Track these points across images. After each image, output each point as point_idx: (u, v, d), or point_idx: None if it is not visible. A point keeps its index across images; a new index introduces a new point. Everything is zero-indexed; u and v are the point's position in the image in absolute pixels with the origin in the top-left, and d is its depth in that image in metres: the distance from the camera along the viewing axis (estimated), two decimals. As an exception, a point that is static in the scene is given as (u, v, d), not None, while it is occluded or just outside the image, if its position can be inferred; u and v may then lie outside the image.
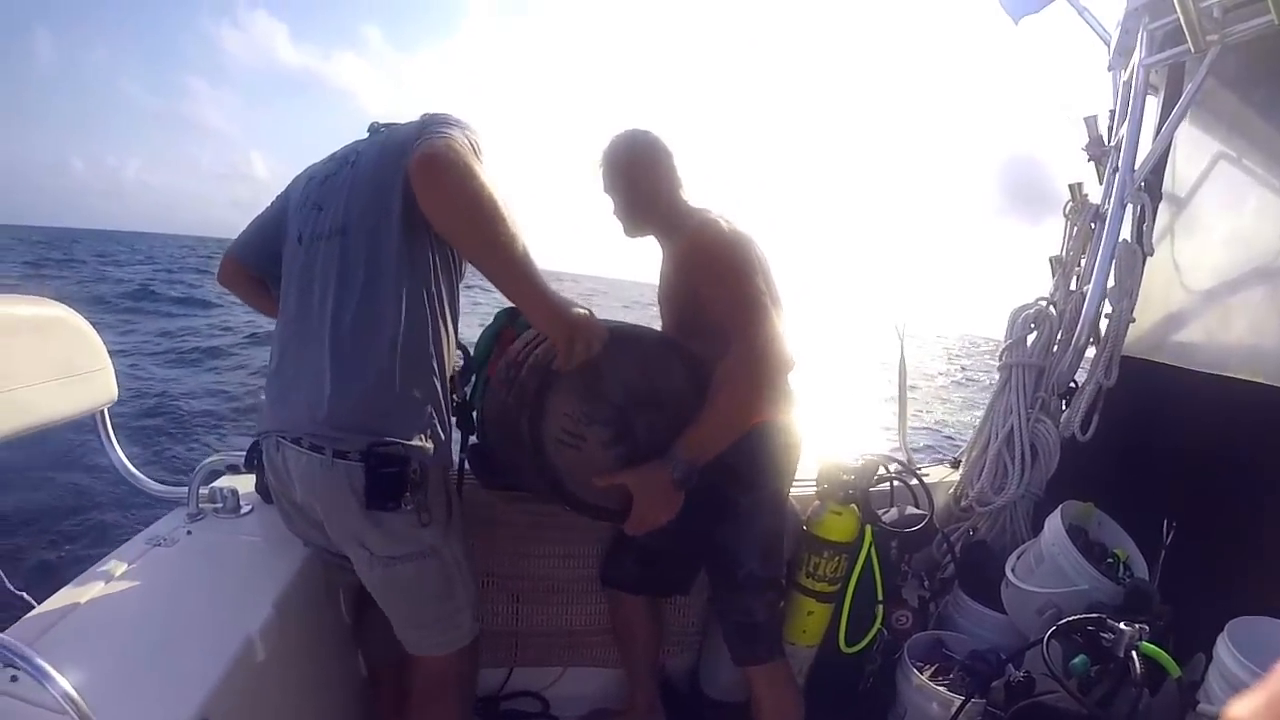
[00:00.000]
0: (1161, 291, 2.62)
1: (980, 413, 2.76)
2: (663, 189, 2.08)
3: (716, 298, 1.84)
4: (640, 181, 2.08)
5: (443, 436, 1.77)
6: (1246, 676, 1.59)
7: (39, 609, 1.55)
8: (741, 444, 1.79)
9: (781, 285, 2.00)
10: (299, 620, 1.81)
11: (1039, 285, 2.72)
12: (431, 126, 1.67)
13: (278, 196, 2.01)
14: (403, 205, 1.68)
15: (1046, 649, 1.86)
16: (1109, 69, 2.74)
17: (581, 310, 1.66)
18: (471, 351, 2.09)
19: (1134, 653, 1.72)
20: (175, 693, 1.33)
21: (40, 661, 1.03)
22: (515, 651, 2.51)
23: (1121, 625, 1.76)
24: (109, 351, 2.01)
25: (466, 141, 1.63)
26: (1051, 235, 2.79)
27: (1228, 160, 2.52)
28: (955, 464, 2.91)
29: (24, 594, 1.73)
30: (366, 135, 1.91)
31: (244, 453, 2.02)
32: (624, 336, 1.77)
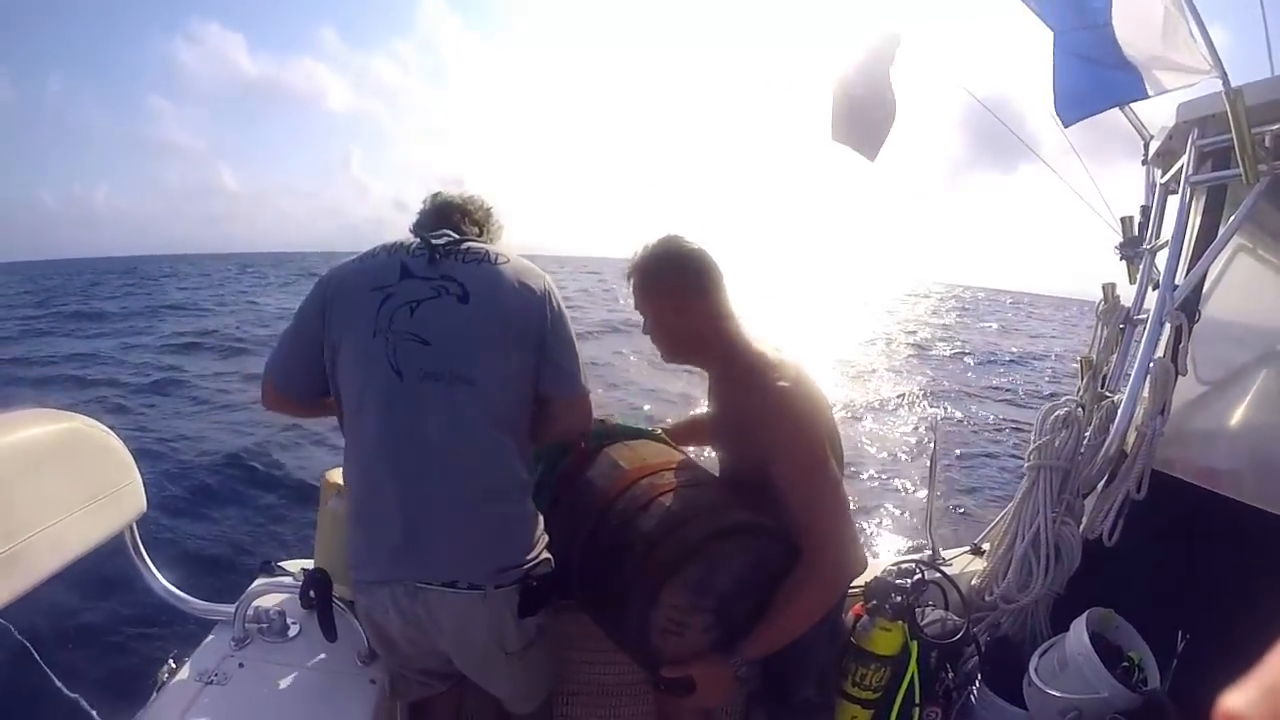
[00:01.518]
0: (1189, 408, 2.71)
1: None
2: (709, 319, 1.95)
3: (786, 479, 1.82)
4: (684, 308, 1.95)
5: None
6: None
7: None
8: None
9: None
10: None
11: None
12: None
13: (305, 309, 1.94)
14: (543, 352, 1.87)
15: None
16: (1143, 164, 2.78)
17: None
18: None
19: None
20: None
21: None
22: None
23: None
24: (133, 457, 1.96)
25: None
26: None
27: (1266, 281, 2.59)
28: (976, 550, 3.01)
29: None
30: (440, 243, 1.92)
31: (287, 573, 2.03)
32: (743, 532, 1.80)
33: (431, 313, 1.82)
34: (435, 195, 2.15)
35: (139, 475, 1.97)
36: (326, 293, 1.92)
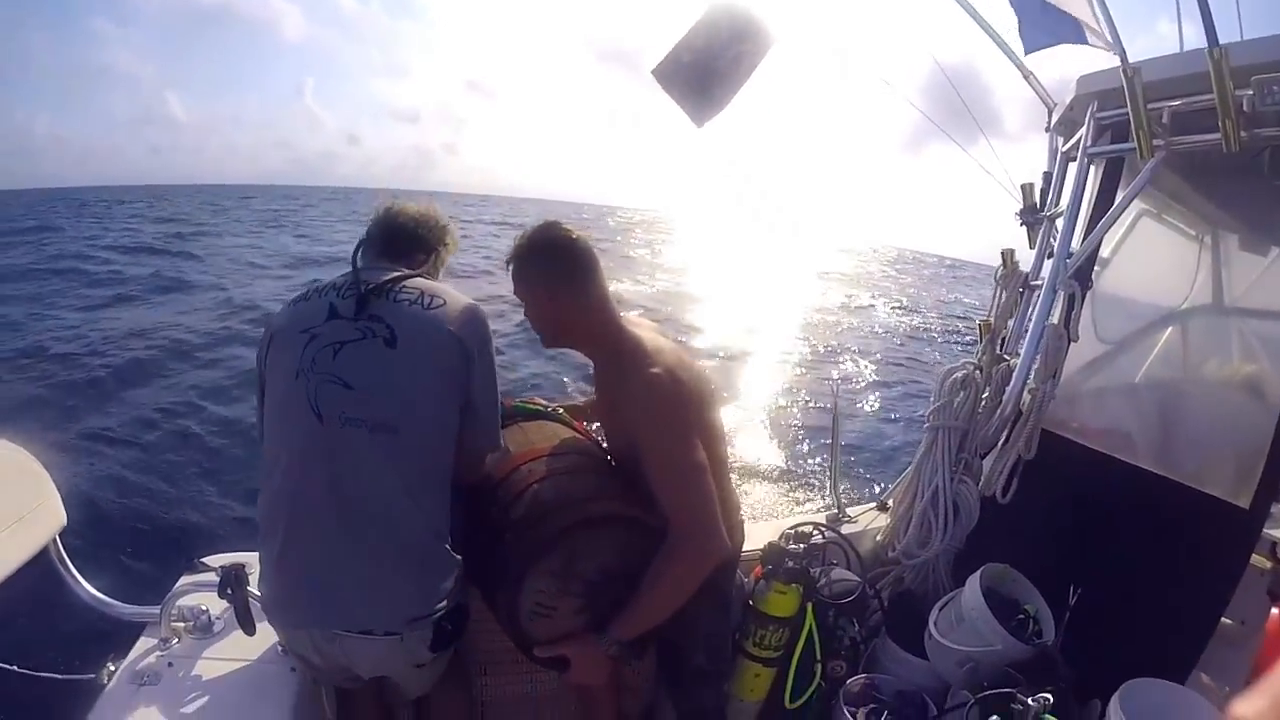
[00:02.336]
0: (1079, 366, 2.81)
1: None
2: (588, 310, 1.97)
3: (651, 465, 1.87)
4: (559, 298, 1.96)
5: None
6: None
7: None
8: None
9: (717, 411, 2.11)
10: None
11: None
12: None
13: (258, 357, 1.94)
14: (467, 399, 1.89)
15: (967, 715, 2.13)
16: (1047, 131, 2.84)
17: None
18: None
19: (1039, 722, 2.00)
20: None
21: None
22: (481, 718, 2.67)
23: (1030, 701, 2.00)
24: (48, 473, 1.99)
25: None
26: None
27: (1152, 241, 2.67)
28: (882, 507, 3.14)
29: None
30: (372, 282, 1.89)
31: (208, 568, 2.07)
32: (608, 523, 1.89)
33: (355, 355, 1.79)
34: (389, 208, 2.11)
35: (55, 490, 1.99)
36: (265, 338, 1.92)
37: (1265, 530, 2.53)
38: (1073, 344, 2.59)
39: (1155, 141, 2.19)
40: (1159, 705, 2.02)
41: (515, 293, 1.99)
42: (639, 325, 2.07)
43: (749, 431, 10.58)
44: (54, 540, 2.05)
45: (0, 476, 1.82)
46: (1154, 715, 1.95)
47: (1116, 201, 2.45)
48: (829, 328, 22.47)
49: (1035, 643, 2.34)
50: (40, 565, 2.04)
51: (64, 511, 2.03)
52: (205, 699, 1.94)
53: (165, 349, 12.41)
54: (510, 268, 1.98)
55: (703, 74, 2.22)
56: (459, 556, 1.90)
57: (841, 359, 16.81)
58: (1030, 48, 2.60)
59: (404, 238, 2.07)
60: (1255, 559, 2.50)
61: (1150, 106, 2.16)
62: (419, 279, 1.95)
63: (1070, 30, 2.43)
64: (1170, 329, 2.73)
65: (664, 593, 1.83)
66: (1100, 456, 2.68)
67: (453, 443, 1.89)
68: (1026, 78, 2.81)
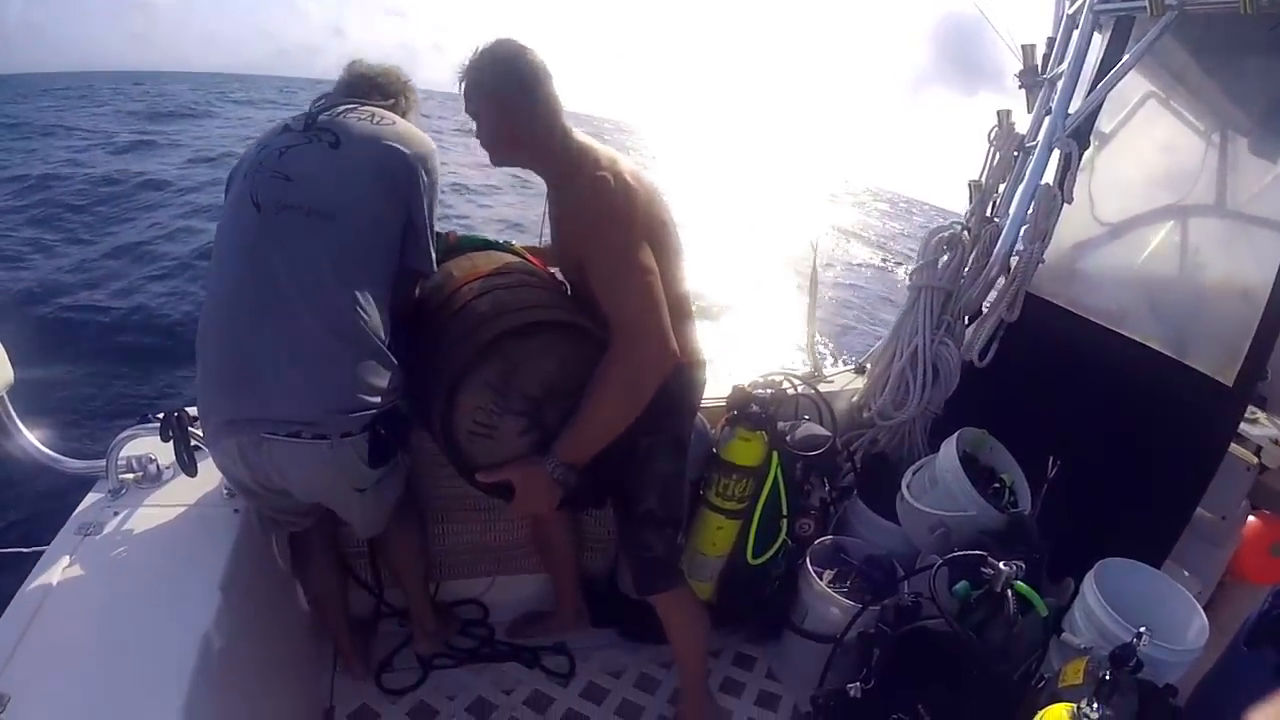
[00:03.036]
0: (1072, 237, 2.73)
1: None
2: (539, 120, 1.85)
3: (594, 266, 1.78)
4: (511, 110, 1.84)
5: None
6: (1105, 617, 1.82)
7: None
8: None
9: (682, 222, 1.97)
10: (245, 586, 1.83)
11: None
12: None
13: None
14: (407, 217, 1.82)
15: (934, 577, 2.09)
16: (1053, -5, 2.73)
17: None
18: None
19: (1009, 591, 1.94)
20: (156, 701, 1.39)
21: None
22: (441, 566, 2.62)
23: (1001, 565, 1.96)
24: None
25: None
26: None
27: (1158, 124, 2.59)
28: (860, 370, 3.05)
29: None
30: (326, 106, 1.89)
31: (158, 419, 1.93)
32: (547, 331, 1.75)
33: (298, 154, 1.78)
34: (351, 64, 2.08)
35: (2, 348, 1.91)
36: (230, 174, 1.90)
37: (1251, 431, 2.50)
38: (1065, 213, 2.52)
39: (1168, 1, 2.09)
40: (1135, 586, 1.99)
41: (466, 110, 1.89)
42: (594, 142, 1.94)
43: (718, 284, 10.36)
44: (2, 398, 1.99)
45: None
46: (1129, 596, 1.90)
47: (1122, 61, 2.33)
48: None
49: (1011, 512, 2.29)
50: None
51: (10, 367, 1.94)
52: (144, 546, 1.86)
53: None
54: (462, 85, 1.88)
55: None
56: (396, 362, 1.80)
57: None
58: None
59: (364, 84, 2.03)
60: (1240, 452, 2.46)
61: None
62: (373, 107, 1.94)
63: None
64: (1170, 218, 2.64)
65: (607, 403, 1.73)
66: (1086, 323, 2.61)
67: (393, 249, 1.81)
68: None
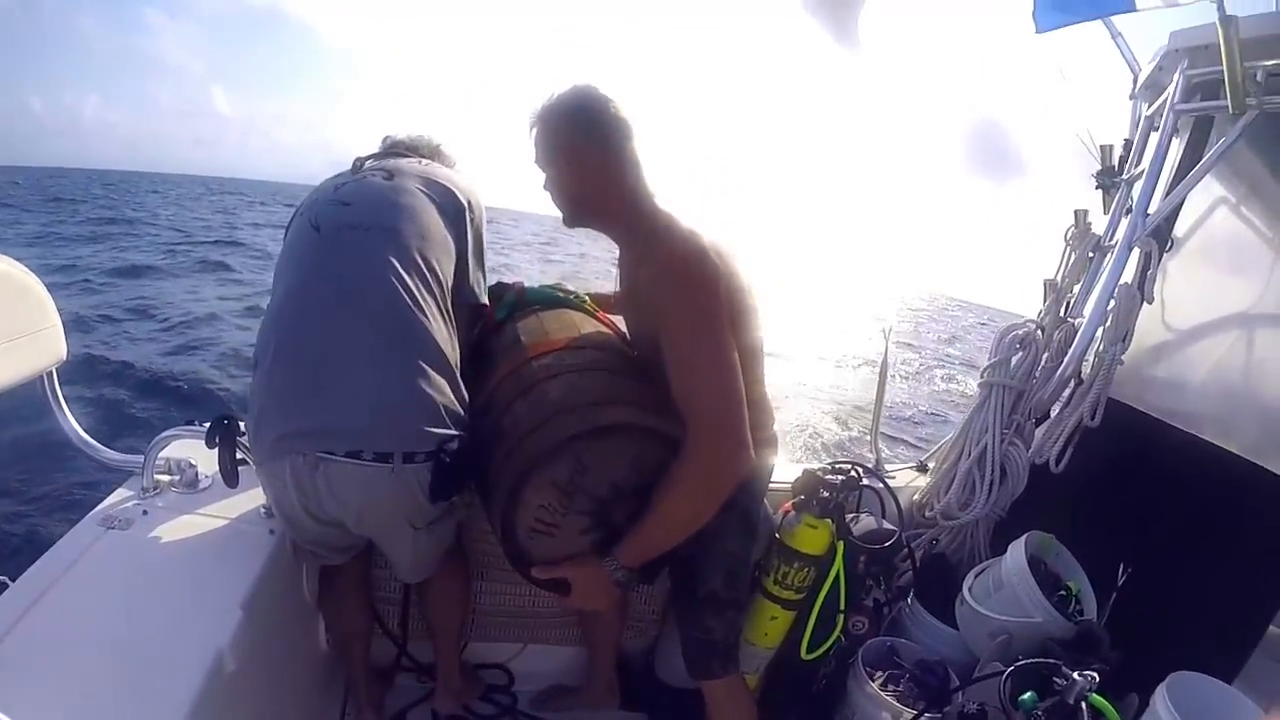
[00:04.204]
0: (1146, 339, 2.66)
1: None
2: (616, 178, 1.72)
3: (670, 343, 1.61)
4: (587, 165, 1.72)
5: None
6: None
7: None
8: None
9: (761, 298, 1.83)
10: (267, 610, 1.77)
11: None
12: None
13: None
14: (457, 249, 1.84)
15: (1004, 685, 1.94)
16: (1131, 98, 2.72)
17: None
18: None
19: (1084, 703, 1.80)
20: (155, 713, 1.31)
21: None
22: (472, 626, 2.51)
23: (1075, 675, 1.83)
24: (56, 307, 1.90)
25: None
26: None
27: (1241, 223, 2.54)
28: (922, 468, 2.98)
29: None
30: (370, 157, 1.99)
31: (205, 426, 1.87)
32: (620, 433, 1.63)
33: (355, 187, 1.83)
34: (384, 138, 2.14)
35: (60, 323, 1.90)
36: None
37: None
38: (1141, 314, 2.46)
39: (1249, 100, 2.06)
40: (1207, 704, 1.84)
41: (535, 161, 1.79)
42: (674, 208, 1.80)
43: (787, 369, 10.35)
44: (51, 372, 1.98)
45: (9, 294, 1.73)
46: (1201, 713, 1.76)
47: (1202, 161, 2.30)
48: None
49: (1079, 620, 2.16)
50: (32, 394, 1.97)
51: (65, 346, 1.94)
52: (170, 551, 1.82)
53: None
54: (532, 132, 1.77)
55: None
56: (461, 389, 1.76)
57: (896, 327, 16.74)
58: (1045, 26, 2.46)
59: (400, 148, 2.08)
60: None
61: (1246, 64, 2.03)
62: (415, 159, 2.01)
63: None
64: (1250, 320, 2.57)
65: (677, 507, 1.60)
66: (1160, 425, 2.52)
67: (448, 272, 1.79)
68: (1114, 38, 2.70)
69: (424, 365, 1.64)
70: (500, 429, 1.72)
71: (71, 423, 2.10)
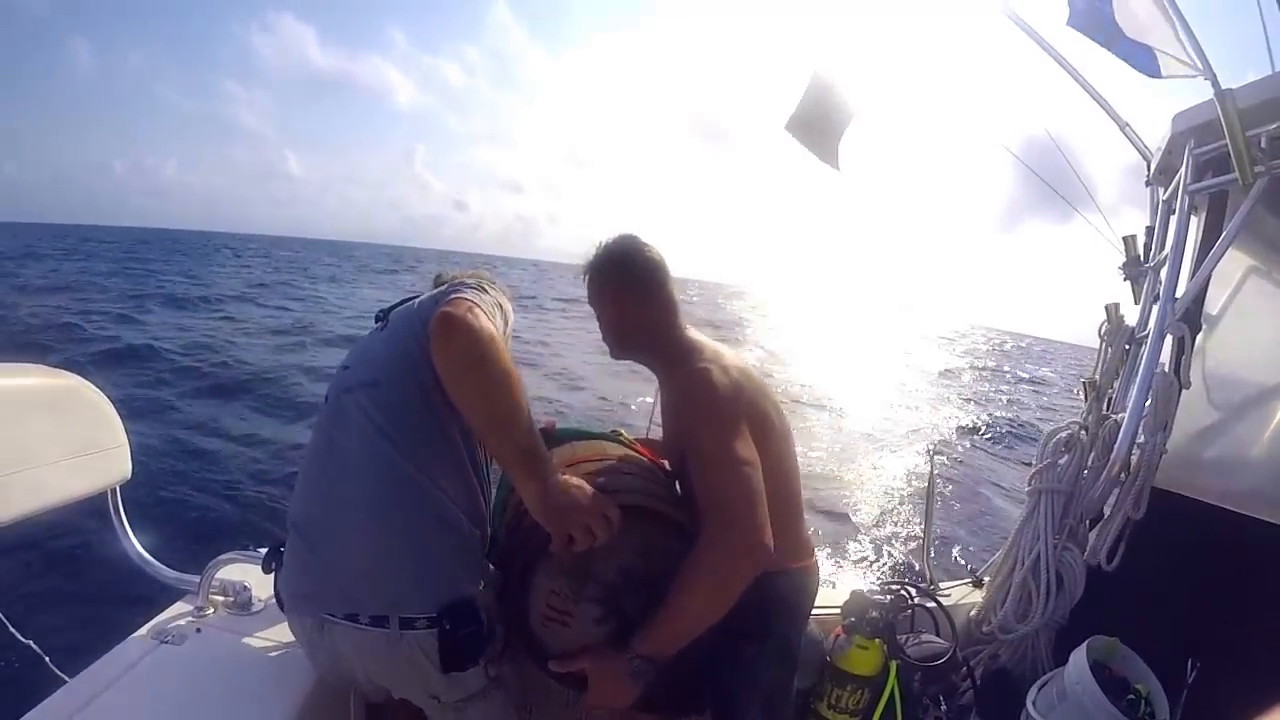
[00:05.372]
0: (1190, 424, 2.58)
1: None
2: (656, 319, 1.95)
3: (693, 455, 1.70)
4: (630, 308, 1.96)
5: (491, 569, 1.73)
6: None
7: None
8: (749, 591, 1.57)
9: (786, 412, 1.97)
10: None
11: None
12: (456, 287, 1.70)
13: None
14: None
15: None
16: (1147, 185, 2.72)
17: (584, 492, 1.55)
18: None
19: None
20: None
21: None
22: None
23: None
24: (125, 427, 2.02)
25: (487, 303, 1.64)
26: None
27: (1266, 294, 2.49)
28: (976, 582, 2.89)
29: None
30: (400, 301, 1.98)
31: (262, 551, 1.93)
32: (626, 515, 1.60)
33: (359, 344, 1.90)
34: (437, 276, 2.15)
35: (128, 442, 2.02)
36: None
37: None
38: (1182, 399, 2.38)
39: (1257, 168, 2.07)
40: None
41: (589, 302, 2.03)
42: (702, 337, 2.00)
43: (830, 492, 10.06)
44: (115, 489, 2.08)
45: (78, 410, 1.86)
46: None
47: (1222, 236, 2.28)
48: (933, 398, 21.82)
49: (1149, 722, 2.05)
50: (94, 509, 2.09)
51: (131, 465, 2.05)
52: (219, 671, 1.86)
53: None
54: (585, 281, 2.02)
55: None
56: (474, 546, 1.70)
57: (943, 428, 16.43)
58: (1072, 24, 2.63)
59: (438, 283, 2.09)
60: None
61: (1249, 133, 2.06)
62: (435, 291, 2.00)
63: (1144, 60, 2.43)
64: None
65: (693, 597, 1.57)
66: (1216, 510, 2.43)
67: (446, 403, 1.64)
68: (1123, 129, 2.72)
69: (418, 520, 1.60)
70: (516, 527, 1.76)
71: (132, 540, 2.18)
